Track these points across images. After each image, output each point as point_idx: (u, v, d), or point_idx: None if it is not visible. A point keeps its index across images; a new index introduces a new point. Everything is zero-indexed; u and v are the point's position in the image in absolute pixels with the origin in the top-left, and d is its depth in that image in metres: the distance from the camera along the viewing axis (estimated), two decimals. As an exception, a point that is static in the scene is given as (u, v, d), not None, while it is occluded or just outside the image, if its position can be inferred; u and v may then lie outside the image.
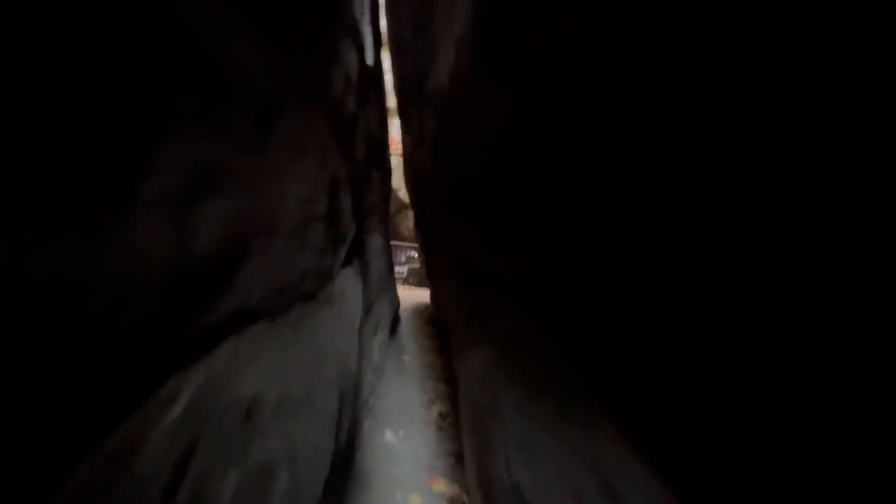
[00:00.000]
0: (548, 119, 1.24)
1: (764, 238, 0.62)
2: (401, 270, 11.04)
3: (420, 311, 7.17)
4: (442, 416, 3.28)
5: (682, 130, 0.76)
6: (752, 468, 0.64)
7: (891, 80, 0.48)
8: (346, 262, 2.30)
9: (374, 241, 3.98)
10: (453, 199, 3.33)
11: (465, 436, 2.36)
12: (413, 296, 8.73)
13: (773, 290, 0.61)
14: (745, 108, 0.64)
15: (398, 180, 10.75)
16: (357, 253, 2.71)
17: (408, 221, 11.49)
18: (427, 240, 6.14)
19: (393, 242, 9.89)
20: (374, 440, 2.83)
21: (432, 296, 6.78)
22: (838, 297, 0.53)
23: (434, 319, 6.35)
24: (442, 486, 2.39)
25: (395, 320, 5.60)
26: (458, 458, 2.65)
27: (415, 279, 10.88)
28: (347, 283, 2.34)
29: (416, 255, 10.55)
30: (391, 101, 10.21)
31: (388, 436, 2.91)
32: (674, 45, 0.76)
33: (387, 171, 4.82)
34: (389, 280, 5.13)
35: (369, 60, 3.40)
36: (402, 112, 6.09)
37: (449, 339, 4.71)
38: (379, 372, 3.83)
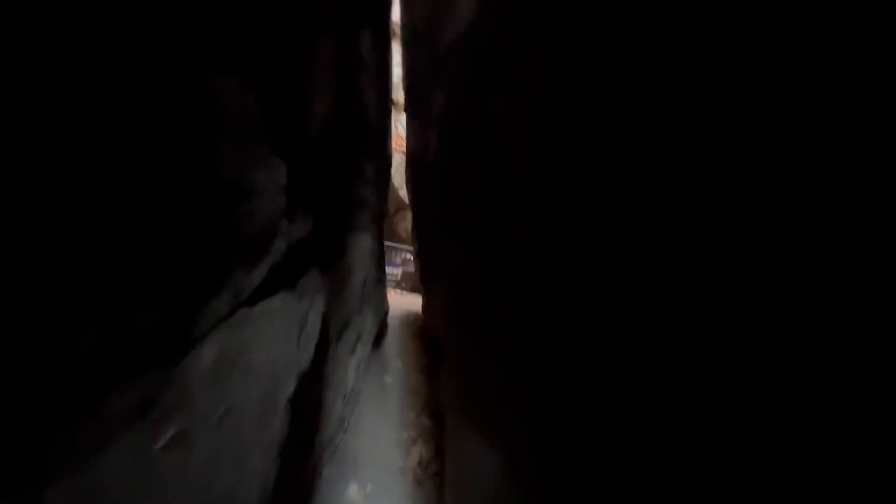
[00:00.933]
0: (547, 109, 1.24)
1: (764, 238, 0.62)
2: (395, 273, 10.40)
3: (410, 321, 6.53)
4: (422, 464, 2.65)
5: (682, 130, 0.76)
6: (752, 469, 0.64)
7: (891, 80, 0.48)
8: (284, 285, 1.57)
9: (361, 242, 3.35)
10: (453, 199, 2.77)
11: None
12: (405, 302, 8.07)
13: (773, 290, 0.61)
14: (745, 108, 0.64)
15: (399, 179, 10.13)
16: (324, 259, 2.07)
17: (406, 223, 10.86)
18: (423, 247, 5.57)
19: (388, 244, 9.24)
20: (332, 498, 2.19)
21: (424, 306, 6.14)
22: (838, 297, 0.53)
23: (425, 331, 5.71)
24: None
25: (382, 331, 4.97)
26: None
27: (409, 283, 10.24)
28: (267, 330, 1.46)
29: (412, 257, 9.93)
30: (398, 96, 9.65)
31: (353, 492, 2.27)
32: (674, 45, 0.76)
33: (384, 163, 4.18)
34: (378, 287, 4.50)
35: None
36: (410, 105, 5.51)
37: (439, 357, 4.11)
38: (354, 398, 3.20)
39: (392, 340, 5.21)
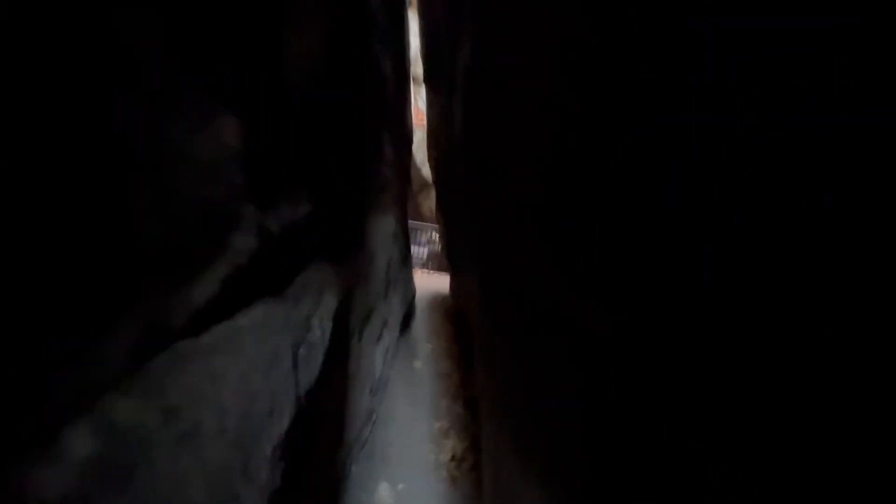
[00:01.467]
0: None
1: (764, 238, 0.62)
2: (421, 253, 10.24)
3: (439, 302, 6.36)
4: (456, 459, 2.48)
5: (682, 130, 0.76)
6: (752, 469, 0.64)
7: (891, 80, 0.48)
8: (264, 293, 1.21)
9: (384, 224, 3.15)
10: (481, 170, 2.50)
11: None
12: (432, 283, 7.90)
13: (773, 290, 0.61)
14: (745, 108, 0.64)
15: (421, 156, 9.85)
16: (335, 248, 1.85)
17: (430, 201, 10.62)
18: (449, 226, 5.34)
19: (412, 223, 9.05)
20: (362, 498, 2.05)
21: (452, 286, 5.95)
22: (838, 297, 0.53)
23: (454, 312, 5.54)
24: None
25: (409, 314, 4.82)
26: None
27: (436, 263, 10.07)
28: (232, 365, 1.06)
29: (438, 236, 9.69)
30: (416, 69, 9.27)
31: (383, 491, 2.13)
32: (674, 45, 0.76)
33: (404, 140, 3.93)
34: (403, 270, 4.31)
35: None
36: (429, 74, 5.20)
37: (470, 339, 3.93)
38: (382, 388, 3.06)
39: (420, 323, 5.06)
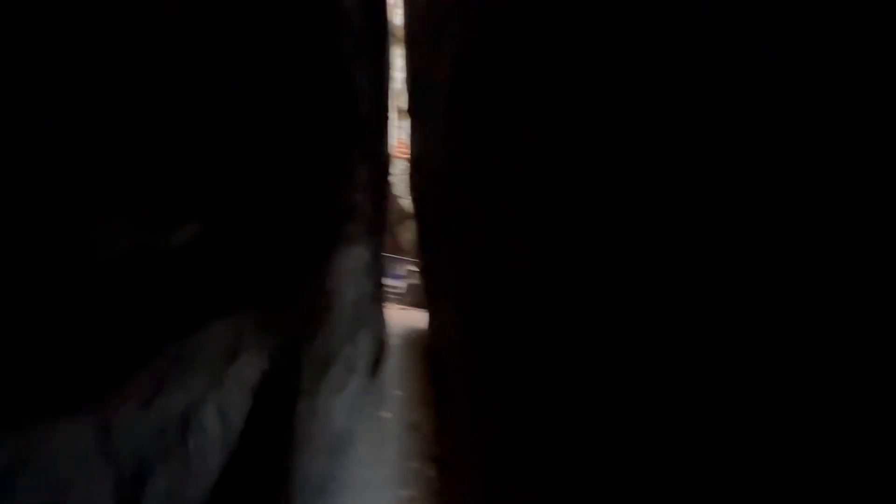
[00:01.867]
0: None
1: (764, 238, 0.62)
2: (398, 286, 9.83)
3: (414, 340, 5.94)
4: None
5: (682, 130, 0.75)
6: (752, 470, 0.64)
7: (891, 80, 0.48)
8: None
9: (353, 256, 2.81)
10: (459, 198, 2.37)
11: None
12: (408, 318, 7.48)
13: (773, 290, 0.61)
14: (745, 108, 0.64)
15: (403, 189, 9.62)
16: (273, 284, 1.48)
17: (409, 233, 10.33)
18: (427, 260, 5.03)
19: (389, 256, 8.69)
20: None
21: (430, 323, 5.57)
22: (838, 297, 0.53)
23: (430, 352, 5.13)
24: None
25: (380, 356, 4.40)
26: None
27: (413, 297, 9.65)
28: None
29: (417, 270, 9.32)
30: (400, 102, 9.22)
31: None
32: (674, 45, 0.76)
33: (381, 164, 3.64)
34: (374, 307, 3.93)
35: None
36: (414, 105, 5.03)
37: (446, 383, 3.54)
38: (344, 444, 2.63)
39: (393, 365, 4.63)
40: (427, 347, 5.42)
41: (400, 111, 10.01)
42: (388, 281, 6.80)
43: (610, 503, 1.02)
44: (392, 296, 9.07)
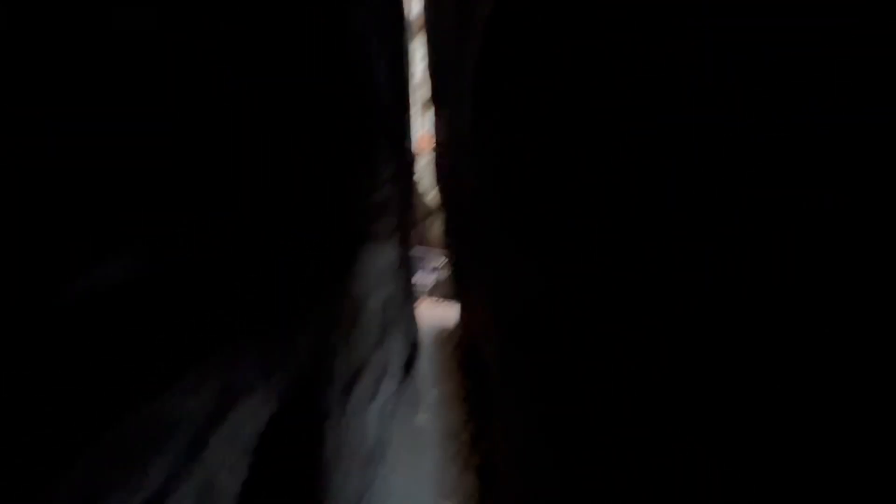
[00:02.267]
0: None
1: (764, 238, 0.62)
2: (427, 280, 9.69)
3: (447, 336, 5.78)
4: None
5: (682, 130, 0.75)
6: (752, 470, 0.64)
7: (891, 80, 0.48)
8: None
9: (380, 255, 2.64)
10: (497, 184, 2.12)
11: None
12: (439, 314, 7.33)
13: (773, 290, 0.61)
14: (745, 108, 0.64)
15: (427, 182, 9.42)
16: (301, 295, 1.31)
17: (436, 227, 10.16)
18: (458, 252, 4.84)
19: (417, 250, 8.56)
20: None
21: (462, 317, 5.39)
22: (838, 297, 0.53)
23: (464, 347, 4.95)
24: None
25: (412, 356, 4.25)
26: None
27: (443, 290, 9.50)
28: None
29: (446, 263, 9.13)
30: (421, 94, 9.00)
31: None
32: (674, 45, 0.76)
33: (405, 157, 3.45)
34: (405, 306, 3.77)
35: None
36: (438, 92, 4.80)
37: (484, 379, 3.36)
38: (379, 454, 2.49)
39: (426, 364, 4.47)
40: (461, 343, 5.25)
41: (423, 103, 9.80)
42: (417, 275, 6.65)
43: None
44: (422, 290, 8.95)
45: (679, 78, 0.75)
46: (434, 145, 6.11)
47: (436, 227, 10.17)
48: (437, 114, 5.52)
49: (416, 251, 7.12)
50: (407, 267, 3.94)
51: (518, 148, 1.74)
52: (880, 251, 0.49)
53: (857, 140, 0.51)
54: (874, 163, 0.49)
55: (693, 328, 0.76)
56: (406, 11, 2.99)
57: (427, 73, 5.57)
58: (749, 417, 0.65)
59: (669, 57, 0.76)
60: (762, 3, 0.59)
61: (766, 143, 0.60)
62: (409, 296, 4.11)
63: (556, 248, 1.32)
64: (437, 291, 9.56)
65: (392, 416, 2.99)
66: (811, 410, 0.56)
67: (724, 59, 0.66)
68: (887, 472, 0.48)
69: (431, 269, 9.97)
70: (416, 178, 5.19)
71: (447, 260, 7.65)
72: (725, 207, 0.67)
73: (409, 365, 3.86)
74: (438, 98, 5.10)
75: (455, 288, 6.24)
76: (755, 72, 0.61)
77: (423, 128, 9.65)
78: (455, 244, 5.36)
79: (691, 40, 0.72)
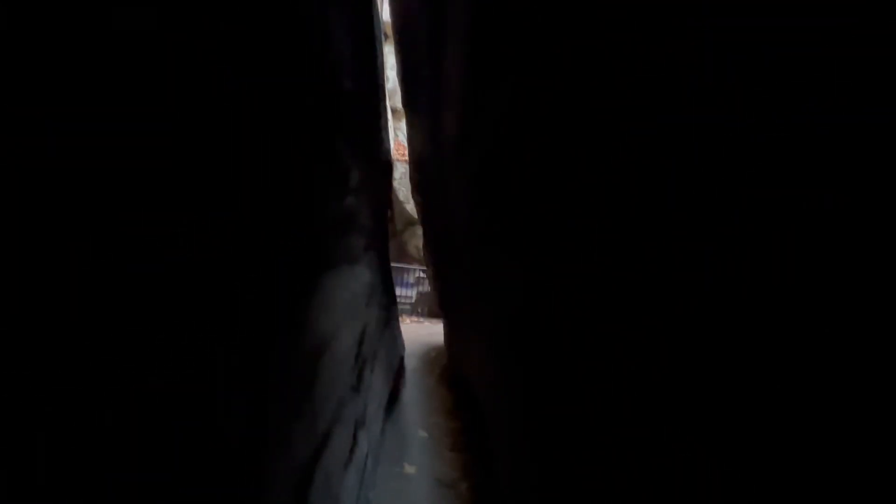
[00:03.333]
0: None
1: (764, 238, 0.61)
2: (408, 295, 9.14)
3: (433, 359, 5.26)
4: None
5: (682, 130, 0.74)
6: (752, 470, 0.63)
7: (891, 80, 0.47)
8: None
9: (350, 278, 2.14)
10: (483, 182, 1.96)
11: None
12: (423, 333, 6.78)
13: (773, 290, 0.60)
14: (745, 108, 0.63)
15: (405, 192, 8.92)
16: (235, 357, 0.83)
17: (416, 239, 9.64)
18: (440, 267, 4.37)
19: (396, 265, 8.04)
20: None
21: (448, 339, 4.88)
22: (838, 296, 0.52)
23: (451, 375, 4.44)
24: None
25: (397, 384, 3.72)
26: None
27: (426, 307, 8.95)
28: None
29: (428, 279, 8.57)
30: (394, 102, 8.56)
31: None
32: (674, 45, 0.74)
33: (376, 161, 2.96)
34: (386, 333, 3.25)
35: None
36: (411, 99, 4.35)
37: (477, 418, 2.89)
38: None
39: (412, 394, 3.95)
40: (448, 367, 4.74)
41: (395, 111, 9.35)
42: (396, 292, 6.10)
43: None
44: (402, 307, 8.39)
45: (679, 78, 0.73)
46: (409, 154, 5.65)
47: (415, 241, 9.66)
48: (409, 124, 5.08)
49: (395, 267, 6.59)
50: (385, 287, 3.43)
51: (512, 151, 1.54)
52: (880, 251, 0.48)
53: (857, 140, 0.49)
54: (874, 163, 0.48)
55: (693, 328, 0.73)
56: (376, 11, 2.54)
57: (399, 80, 5.13)
58: (748, 417, 0.62)
59: (669, 57, 0.74)
60: (762, 3, 0.58)
61: (766, 143, 0.59)
62: (389, 319, 3.59)
63: (553, 252, 1.24)
64: (418, 308, 9.01)
65: (373, 473, 2.46)
66: (811, 410, 0.54)
67: (724, 59, 0.65)
68: (887, 472, 0.47)
69: (412, 284, 9.42)
70: (391, 186, 4.71)
71: (428, 274, 7.14)
72: (725, 207, 0.66)
73: (392, 399, 3.33)
74: (411, 105, 4.67)
75: (437, 304, 5.74)
76: (755, 72, 0.60)
77: (396, 137, 9.19)
78: (435, 258, 4.89)
79: (691, 40, 0.70)
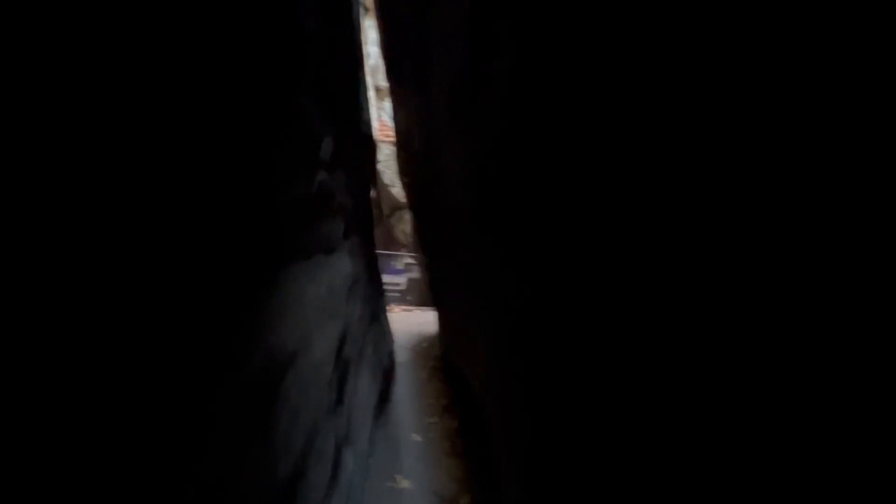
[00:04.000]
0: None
1: (764, 238, 0.60)
2: (397, 282, 8.78)
3: (424, 351, 4.93)
4: None
5: (682, 130, 0.73)
6: (752, 470, 0.62)
7: (891, 80, 0.47)
8: None
9: (329, 271, 1.77)
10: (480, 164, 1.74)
11: None
12: (414, 322, 6.44)
13: (773, 290, 0.59)
14: (745, 108, 0.62)
15: (391, 175, 8.46)
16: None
17: (403, 224, 9.23)
18: (432, 252, 4.02)
19: (383, 253, 7.64)
20: None
21: (441, 329, 4.55)
22: (838, 296, 0.52)
23: (445, 367, 4.13)
24: None
25: (388, 380, 3.39)
26: None
27: (416, 295, 8.60)
28: None
29: (418, 265, 8.16)
30: (377, 80, 8.05)
31: None
32: (674, 45, 0.73)
33: (357, 135, 2.56)
34: (374, 327, 2.90)
35: None
36: (396, 75, 3.92)
37: (474, 415, 2.59)
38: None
39: (403, 391, 3.62)
40: (441, 358, 4.42)
41: (379, 90, 8.82)
42: (385, 279, 5.72)
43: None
44: (393, 293, 8.03)
45: (679, 78, 0.71)
46: (395, 134, 5.21)
47: (402, 225, 9.25)
48: (394, 96, 4.64)
49: (382, 254, 6.22)
50: (372, 279, 3.06)
51: (522, 131, 1.37)
52: (880, 251, 0.47)
53: (857, 140, 0.49)
54: (874, 163, 0.48)
55: (693, 328, 0.72)
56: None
57: (381, 54, 4.67)
58: (748, 417, 0.62)
59: (669, 57, 0.73)
60: (762, 4, 0.57)
61: (766, 143, 0.58)
62: (377, 310, 3.23)
63: (552, 249, 1.23)
64: (408, 296, 8.66)
65: (362, 490, 2.13)
66: (811, 410, 0.54)
67: (724, 59, 0.63)
68: (887, 472, 0.46)
69: (401, 271, 9.05)
70: (373, 158, 4.29)
71: (418, 261, 6.76)
72: (725, 207, 0.65)
73: (382, 400, 3.00)
74: (396, 78, 4.23)
75: (429, 291, 5.40)
76: (755, 72, 0.59)
77: (379, 117, 8.70)
78: (425, 243, 4.53)
79: (691, 40, 0.68)
